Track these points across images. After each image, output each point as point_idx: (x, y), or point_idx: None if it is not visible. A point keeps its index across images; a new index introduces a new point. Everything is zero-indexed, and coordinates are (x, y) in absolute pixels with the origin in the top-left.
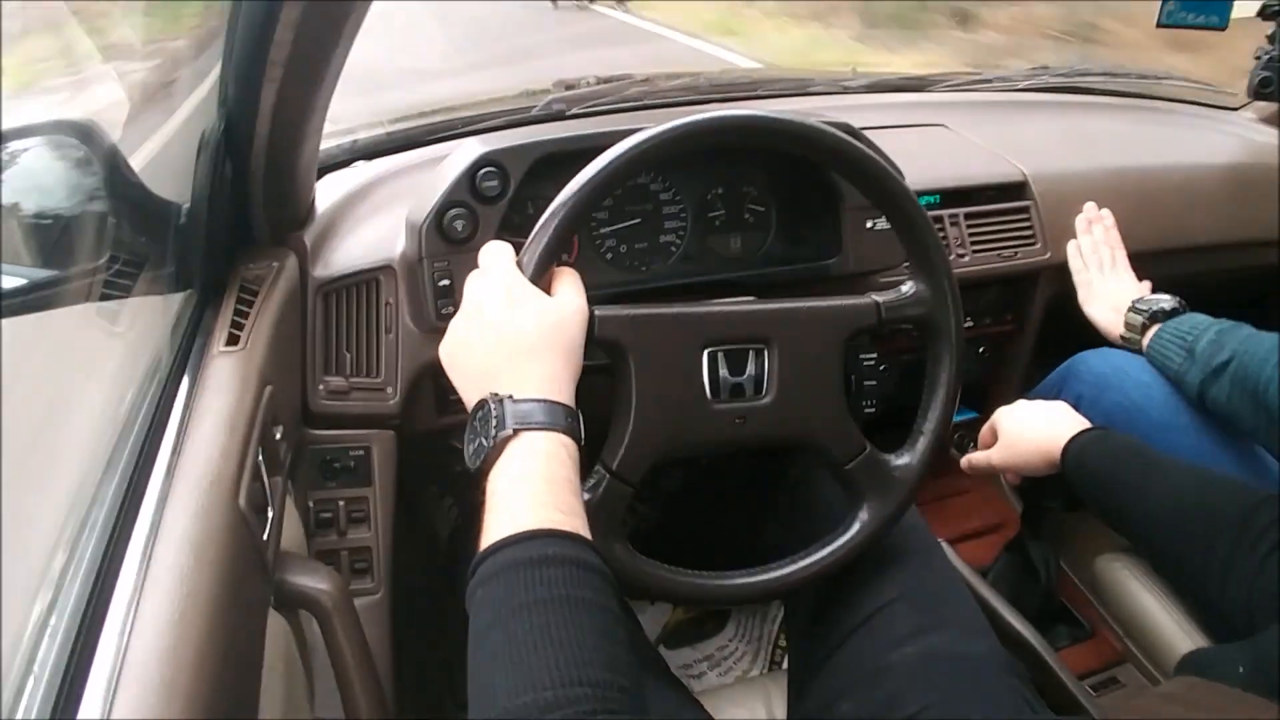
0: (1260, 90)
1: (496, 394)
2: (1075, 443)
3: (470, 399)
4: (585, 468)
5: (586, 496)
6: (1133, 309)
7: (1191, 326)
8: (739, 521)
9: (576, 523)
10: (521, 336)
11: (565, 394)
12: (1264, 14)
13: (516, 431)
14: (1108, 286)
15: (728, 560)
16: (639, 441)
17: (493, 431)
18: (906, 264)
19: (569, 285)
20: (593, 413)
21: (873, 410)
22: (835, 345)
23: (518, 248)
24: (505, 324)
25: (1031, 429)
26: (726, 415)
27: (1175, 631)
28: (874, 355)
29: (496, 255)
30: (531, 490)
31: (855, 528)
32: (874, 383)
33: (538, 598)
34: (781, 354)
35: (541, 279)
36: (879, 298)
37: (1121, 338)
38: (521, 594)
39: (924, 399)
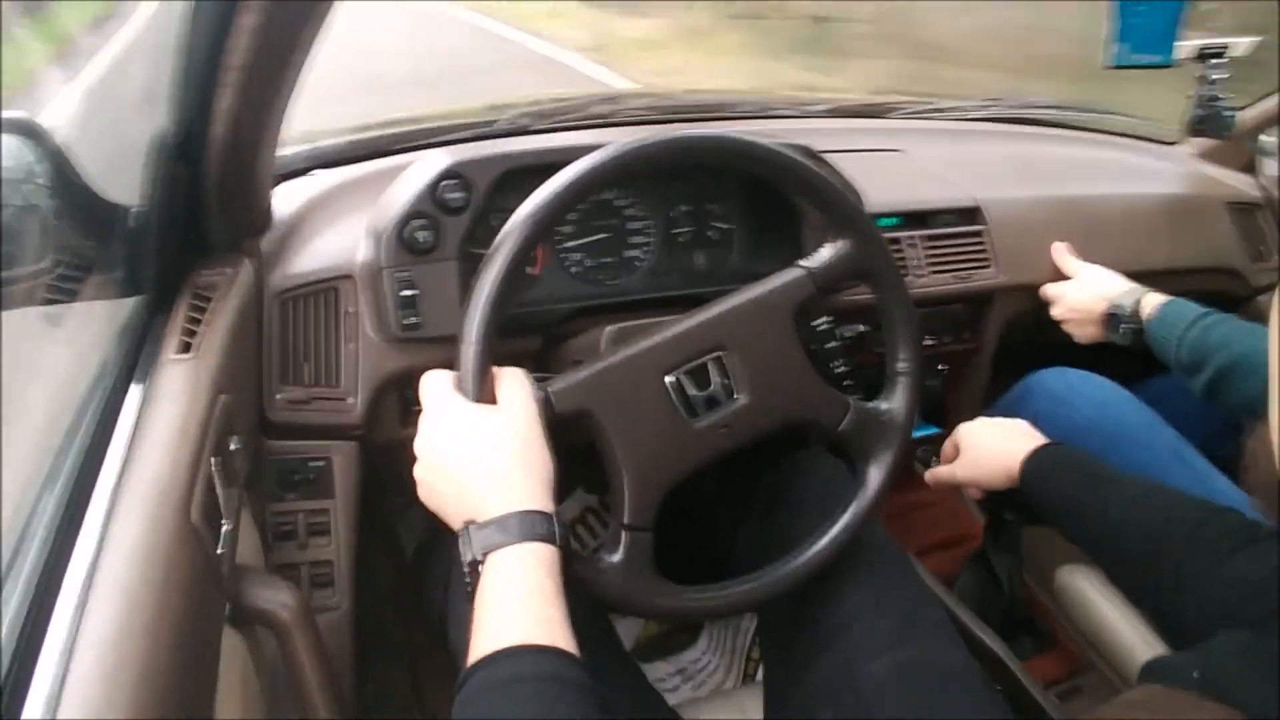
0: (1196, 127)
1: (465, 523)
2: (1032, 458)
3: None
4: (572, 485)
5: (613, 558)
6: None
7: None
8: (718, 529)
9: (553, 631)
10: (475, 463)
11: (534, 498)
12: (1198, 56)
13: (485, 556)
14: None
15: (712, 569)
16: (639, 490)
17: (463, 562)
18: (863, 284)
19: (511, 387)
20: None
21: (844, 369)
22: (785, 325)
23: (476, 258)
24: (458, 457)
25: (991, 444)
26: (710, 430)
27: (1135, 640)
28: (828, 318)
29: (433, 389)
30: (504, 610)
31: (863, 488)
32: (835, 343)
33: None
34: (739, 353)
35: (484, 391)
36: (808, 264)
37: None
38: (491, 717)
39: (887, 343)
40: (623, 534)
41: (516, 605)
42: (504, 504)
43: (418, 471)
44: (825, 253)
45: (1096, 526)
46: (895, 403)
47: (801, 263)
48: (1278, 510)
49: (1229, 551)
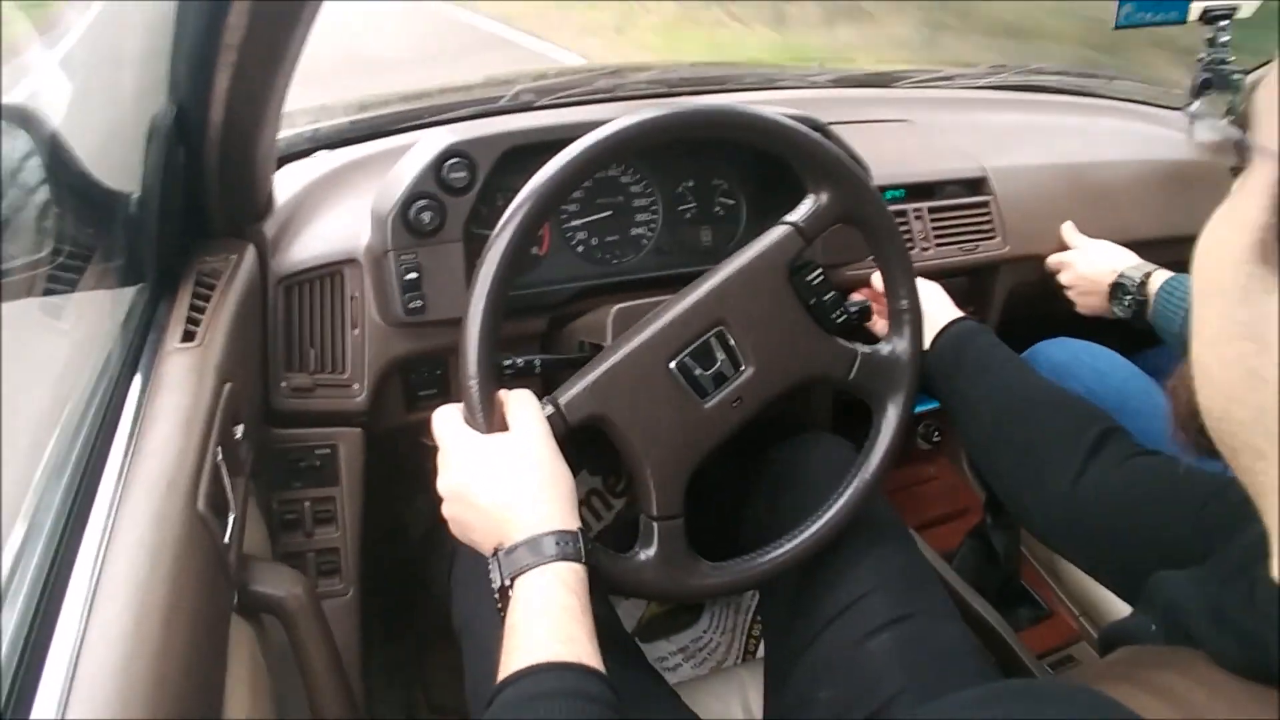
0: (1201, 91)
1: (494, 549)
2: (952, 326)
3: None
4: (575, 467)
5: (649, 552)
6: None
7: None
8: (723, 510)
9: (578, 648)
10: (496, 493)
11: (557, 519)
12: (1204, 18)
13: (513, 579)
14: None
15: (719, 549)
16: (664, 480)
17: (493, 587)
18: (871, 258)
19: (519, 408)
20: None
21: (844, 317)
22: (780, 285)
23: (481, 238)
24: (479, 491)
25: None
26: (722, 406)
27: (1125, 610)
28: (819, 271)
29: (446, 426)
30: (532, 630)
31: (881, 432)
32: (832, 293)
33: None
34: (739, 324)
35: (494, 420)
36: (792, 218)
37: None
38: None
39: (886, 284)
40: (654, 526)
41: (543, 625)
42: (528, 528)
43: (445, 510)
44: (807, 203)
45: (1000, 407)
46: (901, 343)
47: (785, 219)
48: (1194, 444)
49: (1125, 458)
